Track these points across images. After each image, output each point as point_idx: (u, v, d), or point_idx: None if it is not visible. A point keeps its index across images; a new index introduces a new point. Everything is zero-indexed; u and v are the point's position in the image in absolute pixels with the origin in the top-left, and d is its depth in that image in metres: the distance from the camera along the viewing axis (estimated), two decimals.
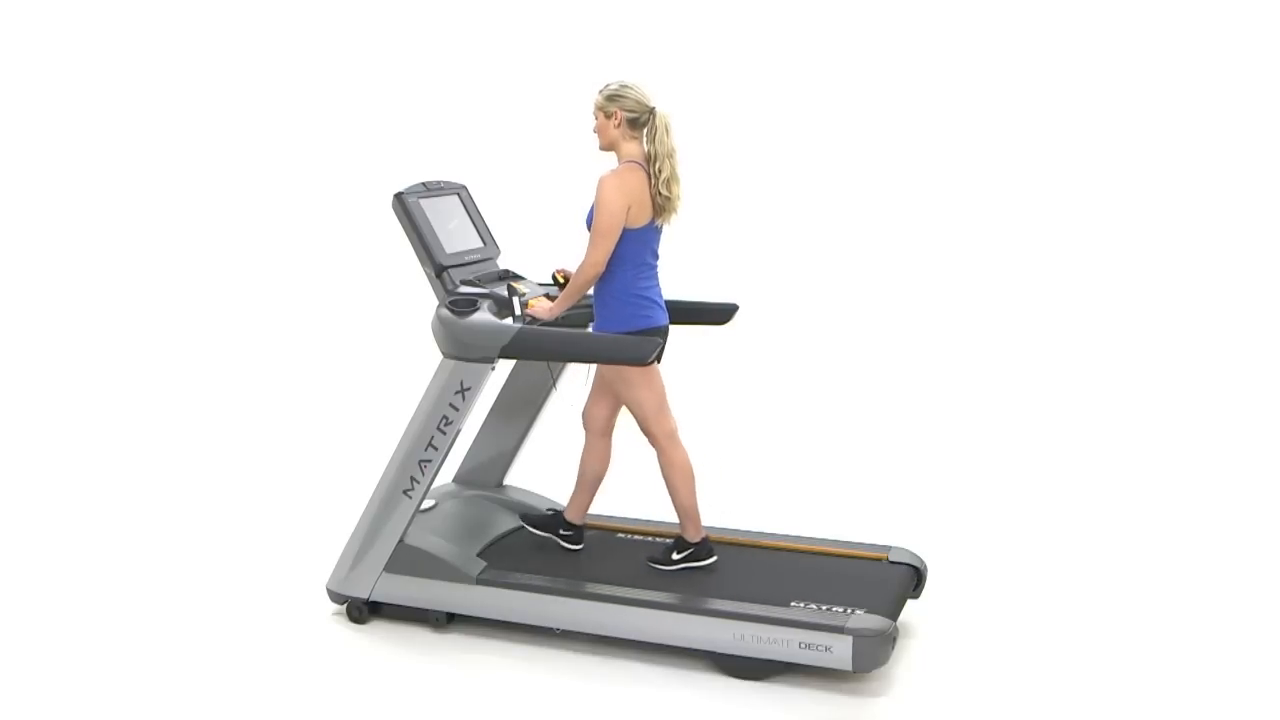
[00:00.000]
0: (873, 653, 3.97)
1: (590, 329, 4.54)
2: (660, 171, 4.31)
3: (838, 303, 8.11)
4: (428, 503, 4.86)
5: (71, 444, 6.93)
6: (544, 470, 5.55)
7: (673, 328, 4.54)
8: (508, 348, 4.28)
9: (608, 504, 5.01)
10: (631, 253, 4.33)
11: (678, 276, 4.77)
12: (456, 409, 4.39)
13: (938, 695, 4.05)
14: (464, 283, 4.56)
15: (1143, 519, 5.61)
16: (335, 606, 4.73)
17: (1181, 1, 7.80)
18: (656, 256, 4.46)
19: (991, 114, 8.13)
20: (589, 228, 4.32)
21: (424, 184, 4.71)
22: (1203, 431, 6.68)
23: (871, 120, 8.27)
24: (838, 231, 8.26)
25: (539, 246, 5.22)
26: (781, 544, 4.81)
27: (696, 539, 4.57)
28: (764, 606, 4.16)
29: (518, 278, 4.77)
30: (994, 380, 7.41)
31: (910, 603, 4.54)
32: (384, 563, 4.52)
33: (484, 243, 4.84)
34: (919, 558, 4.66)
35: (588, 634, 4.35)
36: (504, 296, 4.46)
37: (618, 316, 4.37)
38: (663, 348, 4.26)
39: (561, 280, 4.62)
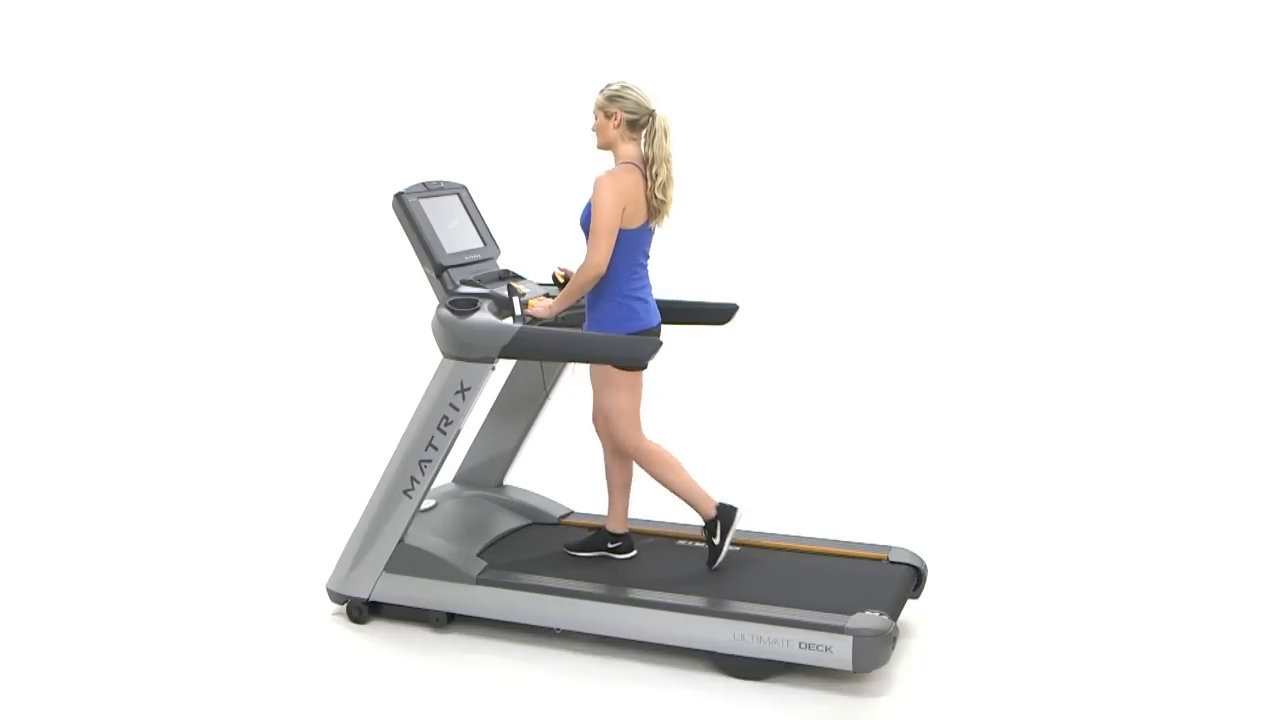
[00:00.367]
0: (873, 653, 3.97)
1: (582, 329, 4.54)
2: (657, 175, 4.31)
3: (837, 303, 8.12)
4: (428, 503, 4.87)
5: (72, 444, 6.93)
6: (544, 470, 5.55)
7: (673, 328, 4.54)
8: (508, 348, 4.28)
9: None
10: (624, 254, 4.33)
11: (677, 276, 4.77)
12: (457, 409, 4.39)
13: (938, 695, 4.05)
14: (464, 283, 4.56)
15: (1143, 519, 5.61)
16: (335, 606, 4.73)
17: (1182, 1, 7.82)
18: (648, 257, 4.47)
19: (991, 114, 8.14)
20: (583, 227, 4.33)
21: (424, 184, 4.71)
22: (1202, 431, 6.68)
23: (871, 120, 8.28)
24: (837, 232, 8.27)
25: (539, 246, 5.22)
26: (781, 544, 4.80)
27: (713, 512, 4.53)
28: (764, 606, 4.16)
29: (518, 278, 4.77)
30: (993, 381, 7.41)
31: (910, 603, 4.54)
32: (384, 563, 4.52)
33: (484, 243, 4.84)
34: (919, 558, 4.66)
35: (588, 634, 4.35)
36: (504, 296, 4.46)
37: (610, 317, 4.36)
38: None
39: (561, 280, 4.62)
